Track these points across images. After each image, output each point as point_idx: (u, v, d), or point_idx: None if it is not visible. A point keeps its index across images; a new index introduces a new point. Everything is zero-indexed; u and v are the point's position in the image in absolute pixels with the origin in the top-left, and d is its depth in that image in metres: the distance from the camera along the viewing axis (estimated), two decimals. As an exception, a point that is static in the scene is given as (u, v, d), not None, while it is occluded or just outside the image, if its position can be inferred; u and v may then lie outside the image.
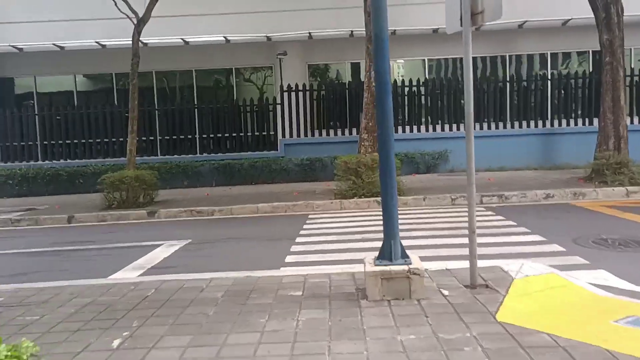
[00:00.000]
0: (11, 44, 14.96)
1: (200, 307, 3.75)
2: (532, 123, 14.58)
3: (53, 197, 12.92)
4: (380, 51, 3.73)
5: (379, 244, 6.11)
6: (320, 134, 14.84)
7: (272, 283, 4.30)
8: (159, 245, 6.90)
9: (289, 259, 5.80)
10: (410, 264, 3.67)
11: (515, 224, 7.05)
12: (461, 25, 3.99)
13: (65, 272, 5.76)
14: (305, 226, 7.90)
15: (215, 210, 9.76)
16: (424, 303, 3.55)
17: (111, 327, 3.42)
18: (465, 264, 4.37)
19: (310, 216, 8.90)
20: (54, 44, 15.05)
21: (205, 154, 14.87)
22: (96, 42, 15.17)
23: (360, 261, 5.32)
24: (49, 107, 15.39)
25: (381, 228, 3.92)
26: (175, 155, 14.52)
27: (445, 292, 3.76)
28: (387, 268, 3.64)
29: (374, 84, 10.95)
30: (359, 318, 3.35)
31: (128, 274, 5.36)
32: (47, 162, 14.28)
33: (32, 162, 14.34)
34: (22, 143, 14.68)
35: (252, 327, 3.29)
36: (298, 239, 6.87)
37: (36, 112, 15.23)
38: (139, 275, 5.28)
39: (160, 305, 3.82)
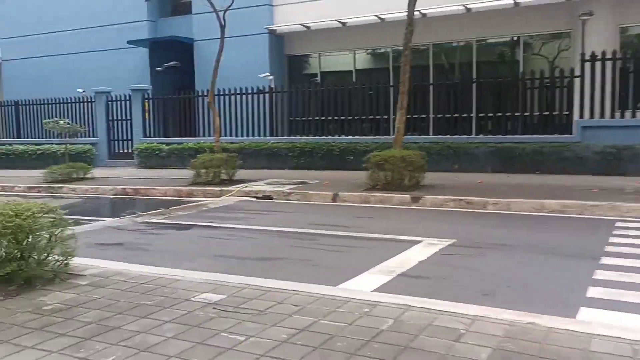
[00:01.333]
0: (299, 23, 15.73)
1: (452, 375, 2.41)
2: None
3: (325, 172, 13.07)
4: None
5: None
6: (634, 116, 11.60)
7: (571, 346, 2.67)
8: (416, 243, 5.76)
9: (591, 292, 3.97)
10: None
11: None
12: None
13: (306, 264, 5.07)
14: (612, 239, 5.75)
15: (489, 202, 8.17)
16: None
17: (318, 384, 2.35)
18: None
19: (617, 224, 6.60)
20: (336, 21, 15.26)
21: (481, 135, 13.14)
22: (376, 16, 14.82)
23: None
24: (329, 83, 15.79)
25: None
26: (448, 135, 13.17)
27: None
28: None
29: None
30: None
31: (370, 281, 4.34)
32: (323, 137, 14.61)
33: (310, 137, 14.86)
34: (303, 118, 15.35)
35: None
36: (604, 260, 4.88)
37: (316, 88, 15.75)
38: (382, 285, 4.20)
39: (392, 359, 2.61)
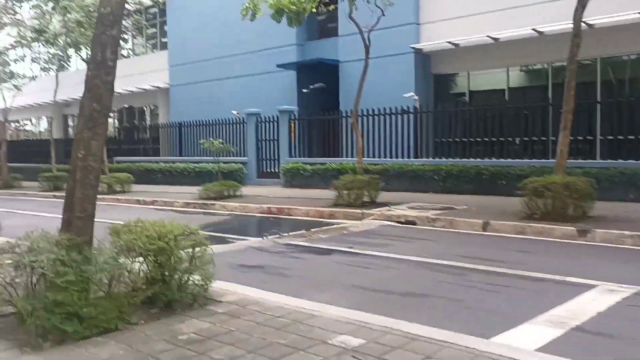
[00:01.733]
0: (447, 41, 15.04)
1: None
2: None
3: (473, 197, 12.17)
4: None
5: None
6: None
7: None
8: (589, 288, 4.85)
9: None
10: None
11: None
12: None
13: (455, 305, 4.47)
14: None
15: (679, 241, 6.81)
16: None
17: None
18: None
19: None
20: (488, 36, 14.34)
21: (663, 160, 11.27)
22: (533, 30, 13.64)
23: None
24: (478, 103, 14.82)
25: None
26: (620, 160, 11.48)
27: None
28: None
29: None
30: None
31: (536, 334, 3.63)
32: (471, 159, 13.68)
33: (457, 159, 14.01)
34: (449, 139, 14.55)
35: None
36: None
37: (464, 108, 14.87)
38: (552, 342, 3.48)
39: None
